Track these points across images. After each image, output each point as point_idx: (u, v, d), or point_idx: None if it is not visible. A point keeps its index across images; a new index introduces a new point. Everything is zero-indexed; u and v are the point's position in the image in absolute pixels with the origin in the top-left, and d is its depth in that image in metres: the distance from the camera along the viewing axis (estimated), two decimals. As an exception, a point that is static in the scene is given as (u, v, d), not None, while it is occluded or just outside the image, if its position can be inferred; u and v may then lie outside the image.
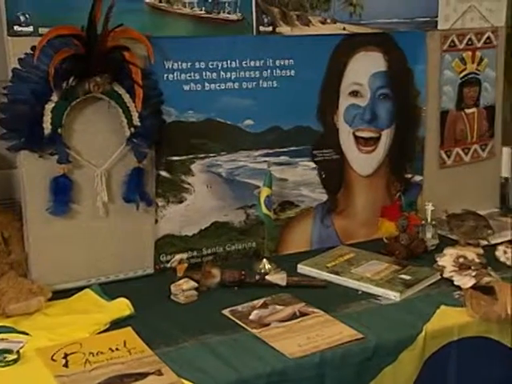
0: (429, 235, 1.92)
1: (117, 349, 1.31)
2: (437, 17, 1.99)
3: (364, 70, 1.92)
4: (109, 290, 1.59)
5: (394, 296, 1.59)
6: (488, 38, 2.09)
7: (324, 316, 1.48)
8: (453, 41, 2.04)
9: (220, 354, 1.33)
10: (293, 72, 1.81)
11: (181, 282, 1.58)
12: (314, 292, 1.63)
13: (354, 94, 1.93)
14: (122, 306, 1.49)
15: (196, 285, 1.59)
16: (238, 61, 1.74)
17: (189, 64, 1.68)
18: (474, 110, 2.14)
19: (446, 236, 1.97)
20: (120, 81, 1.52)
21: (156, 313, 1.49)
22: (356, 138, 1.96)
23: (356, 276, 1.69)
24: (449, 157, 2.13)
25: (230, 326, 1.44)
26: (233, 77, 1.74)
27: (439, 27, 2.00)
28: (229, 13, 1.69)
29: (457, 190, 2.14)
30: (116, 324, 1.43)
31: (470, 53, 2.08)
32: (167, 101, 1.65)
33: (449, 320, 1.49)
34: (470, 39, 2.07)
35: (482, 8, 2.04)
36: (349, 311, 1.52)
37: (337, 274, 1.71)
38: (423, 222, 1.93)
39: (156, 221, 1.71)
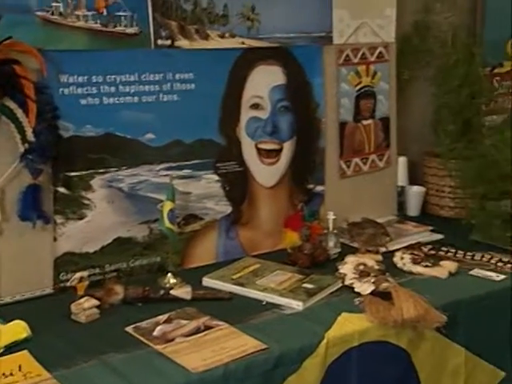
0: (331, 244, 1.96)
1: (11, 374, 1.25)
2: (331, 32, 2.06)
3: (264, 83, 1.96)
4: (5, 312, 1.52)
5: (297, 305, 1.62)
6: (380, 52, 2.18)
7: (229, 328, 1.48)
8: (348, 55, 2.11)
9: (121, 372, 1.30)
10: (193, 85, 1.82)
11: (81, 300, 1.54)
12: (220, 305, 1.63)
13: (255, 106, 1.96)
14: (18, 329, 1.43)
15: (98, 303, 1.55)
16: (136, 74, 1.73)
17: (85, 78, 1.65)
18: (370, 121, 2.22)
19: (348, 244, 2.03)
20: (11, 95, 1.47)
21: (55, 334, 1.45)
22: (258, 150, 1.98)
23: (260, 287, 1.70)
24: (348, 167, 2.20)
25: (132, 344, 1.42)
26: (132, 90, 1.72)
27: (334, 42, 2.07)
28: (125, 26, 1.67)
29: (357, 199, 2.21)
30: (11, 348, 1.37)
31: (364, 66, 2.16)
32: (64, 115, 1.61)
33: (349, 326, 1.53)
34: (363, 53, 2.15)
35: (373, 24, 2.13)
36: (253, 322, 1.53)
37: (242, 285, 1.72)
38: (325, 231, 1.98)
39: (55, 238, 1.66)
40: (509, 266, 1.88)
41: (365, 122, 2.21)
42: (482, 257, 1.94)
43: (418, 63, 2.29)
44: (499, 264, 1.89)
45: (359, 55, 2.14)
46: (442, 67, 2.25)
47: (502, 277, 1.82)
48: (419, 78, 2.34)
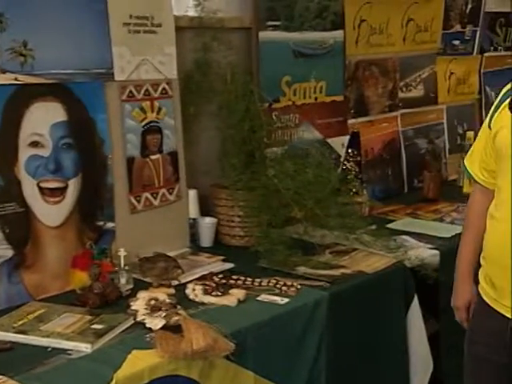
0: (123, 281, 1.94)
1: None
2: (112, 68, 2.06)
3: (43, 120, 1.89)
4: None
5: (85, 348, 1.57)
6: (164, 88, 2.22)
7: (7, 382, 1.39)
8: (131, 91, 2.12)
9: None
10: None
11: None
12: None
13: (35, 144, 1.88)
14: None
15: None
16: None
17: None
18: (158, 156, 2.25)
19: (141, 279, 2.02)
20: None
21: None
22: (41, 189, 1.90)
23: (45, 333, 1.62)
24: (139, 202, 2.19)
25: None
26: None
27: (116, 78, 2.07)
28: None
29: (149, 234, 2.20)
30: None
31: (148, 102, 2.18)
32: None
33: (139, 364, 1.52)
34: (147, 90, 2.17)
35: (154, 61, 2.17)
36: (36, 372, 1.45)
37: (24, 333, 1.62)
38: (116, 268, 1.95)
39: None
40: (292, 289, 2.00)
41: (153, 157, 2.23)
42: (269, 282, 2.03)
43: (201, 99, 2.37)
44: (284, 288, 2.00)
45: (142, 91, 2.16)
46: (223, 103, 2.35)
47: (286, 300, 1.93)
48: (204, 113, 2.43)
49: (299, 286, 2.01)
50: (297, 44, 2.64)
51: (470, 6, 3.31)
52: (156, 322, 1.69)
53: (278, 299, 1.93)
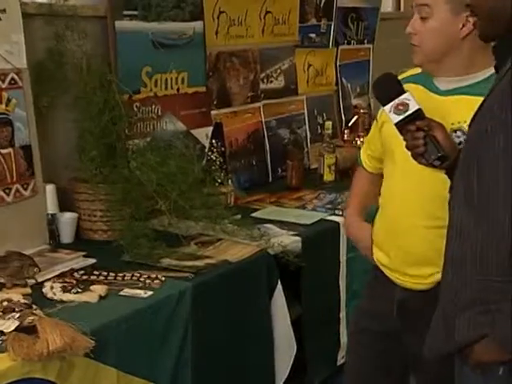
0: (-27, 283, 1.83)
1: None
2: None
3: None
4: None
5: None
6: (13, 79, 2.10)
7: None
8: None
9: None
10: None
11: None
12: None
13: None
14: None
15: None
16: None
17: None
18: (9, 150, 2.13)
19: (-6, 281, 1.91)
20: None
21: None
22: None
23: None
24: (-10, 199, 2.07)
25: None
26: None
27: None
28: None
29: (3, 232, 2.09)
30: None
31: (-5, 94, 2.07)
32: None
33: (-10, 369, 1.44)
34: (-7, 80, 2.06)
35: (0, 50, 2.05)
36: None
37: None
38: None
39: None
40: (157, 281, 1.98)
41: (3, 151, 2.11)
42: (132, 276, 2.00)
43: (56, 90, 2.27)
44: (148, 281, 1.97)
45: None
46: (80, 94, 2.27)
47: (150, 293, 1.90)
48: (61, 104, 2.33)
49: (163, 279, 1.99)
50: (156, 34, 2.60)
51: (323, 1, 3.43)
52: (8, 324, 1.60)
53: (141, 292, 1.90)
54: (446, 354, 1.37)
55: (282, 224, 2.56)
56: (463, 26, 1.64)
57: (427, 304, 1.50)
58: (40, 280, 1.92)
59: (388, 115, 1.57)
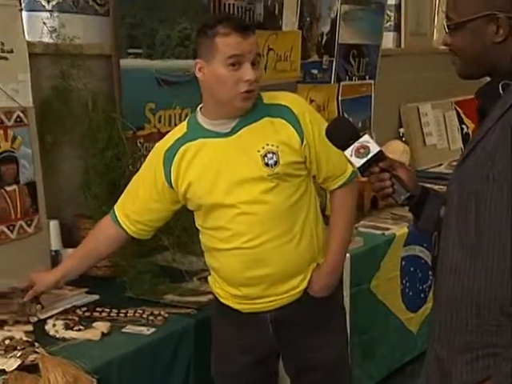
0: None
1: None
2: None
3: None
4: None
5: None
6: (18, 116, 2.13)
7: None
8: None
9: None
10: None
11: None
12: None
13: None
14: None
15: None
16: None
17: None
18: (14, 187, 2.15)
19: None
20: None
21: None
22: None
23: None
24: (-5, 236, 2.08)
25: None
26: None
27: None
28: None
29: (7, 269, 2.09)
30: None
31: (1, 131, 2.09)
32: None
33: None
34: (0, 119, 2.08)
35: (7, 88, 2.08)
36: None
37: None
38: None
39: None
40: (160, 318, 1.97)
41: (8, 188, 2.13)
42: (135, 313, 1.99)
43: (62, 127, 2.29)
44: (150, 317, 1.97)
45: (-5, 120, 2.07)
46: (85, 131, 2.29)
47: (153, 330, 1.90)
48: (66, 141, 2.35)
49: (166, 315, 1.98)
50: (160, 72, 2.64)
51: (325, 38, 3.48)
52: (10, 363, 1.60)
53: (144, 329, 1.90)
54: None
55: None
56: None
57: (299, 314, 1.77)
58: (42, 317, 1.92)
59: (349, 159, 1.50)
